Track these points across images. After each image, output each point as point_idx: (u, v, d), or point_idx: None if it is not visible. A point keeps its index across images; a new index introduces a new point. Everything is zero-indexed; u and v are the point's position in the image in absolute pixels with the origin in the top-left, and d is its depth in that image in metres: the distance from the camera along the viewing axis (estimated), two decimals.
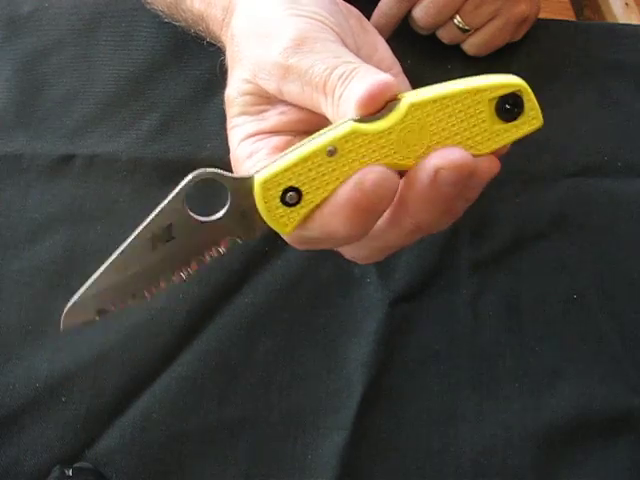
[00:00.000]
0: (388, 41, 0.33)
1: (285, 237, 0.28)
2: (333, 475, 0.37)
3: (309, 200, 0.25)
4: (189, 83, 0.47)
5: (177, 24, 0.43)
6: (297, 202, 0.25)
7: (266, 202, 0.25)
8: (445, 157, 0.25)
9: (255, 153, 0.29)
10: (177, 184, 0.26)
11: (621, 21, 0.60)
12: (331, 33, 0.28)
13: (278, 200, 0.25)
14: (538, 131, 0.26)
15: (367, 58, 0.31)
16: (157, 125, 0.45)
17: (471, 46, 0.45)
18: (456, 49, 0.46)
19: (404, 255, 0.42)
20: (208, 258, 0.28)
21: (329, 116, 0.27)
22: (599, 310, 0.41)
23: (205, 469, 0.38)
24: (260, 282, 0.41)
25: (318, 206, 0.25)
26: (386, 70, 0.31)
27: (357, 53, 0.29)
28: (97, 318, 0.28)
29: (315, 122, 0.29)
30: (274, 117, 0.30)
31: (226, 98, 0.31)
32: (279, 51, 0.27)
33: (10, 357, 0.39)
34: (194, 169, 0.26)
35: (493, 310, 0.41)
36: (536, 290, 0.42)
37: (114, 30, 0.47)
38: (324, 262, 0.41)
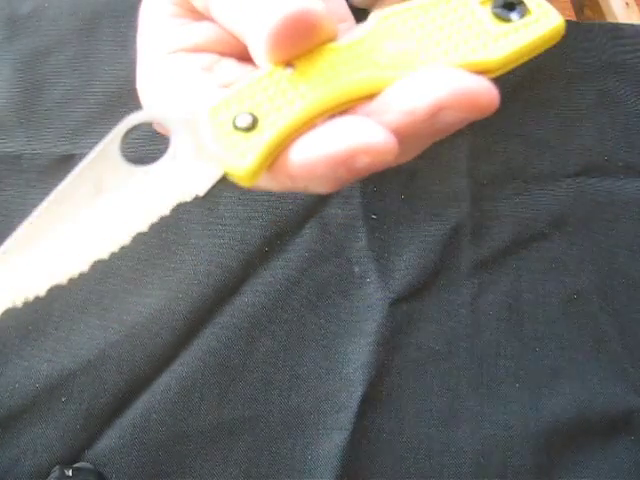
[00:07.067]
0: None
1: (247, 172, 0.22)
2: (333, 475, 0.37)
3: (269, 124, 0.21)
4: None
5: None
6: (252, 127, 0.21)
7: (216, 130, 0.21)
8: (454, 87, 0.18)
9: (180, 71, 0.25)
10: None
11: (621, 21, 0.60)
12: None
13: (231, 125, 0.21)
14: (557, 40, 0.22)
15: None
16: None
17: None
18: None
19: (404, 255, 0.42)
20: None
21: (250, 50, 0.22)
22: (599, 310, 0.41)
23: (205, 469, 0.38)
24: (260, 282, 0.41)
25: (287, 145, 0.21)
26: (338, 22, 0.26)
27: None
28: None
29: (243, 47, 0.24)
30: (199, 32, 0.25)
31: (144, 3, 0.27)
32: None
33: (10, 357, 0.39)
34: None
35: (493, 310, 0.41)
36: (536, 290, 0.42)
37: (114, 30, 0.47)
38: (324, 262, 0.41)
